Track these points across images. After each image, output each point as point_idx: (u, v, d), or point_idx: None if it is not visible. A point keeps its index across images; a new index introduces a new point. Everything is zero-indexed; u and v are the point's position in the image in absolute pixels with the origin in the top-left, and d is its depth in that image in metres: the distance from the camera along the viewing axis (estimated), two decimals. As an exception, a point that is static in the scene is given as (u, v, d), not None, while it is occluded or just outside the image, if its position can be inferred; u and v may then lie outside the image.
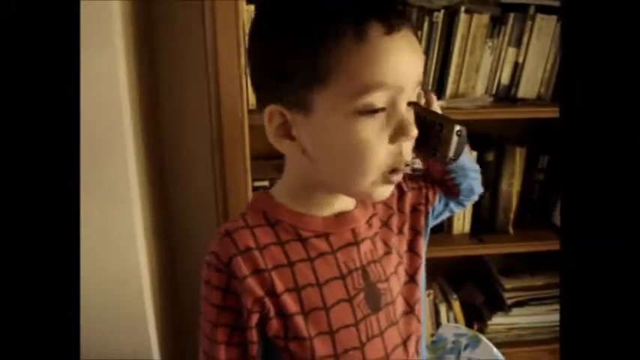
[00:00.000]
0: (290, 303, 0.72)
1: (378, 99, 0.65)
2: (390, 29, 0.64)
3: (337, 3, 0.64)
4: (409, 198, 0.85)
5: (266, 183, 1.40)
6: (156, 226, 1.44)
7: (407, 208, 0.85)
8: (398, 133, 0.67)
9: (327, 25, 0.63)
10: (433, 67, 1.48)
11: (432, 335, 1.13)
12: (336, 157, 0.69)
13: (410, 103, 0.69)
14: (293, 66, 0.66)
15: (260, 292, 0.71)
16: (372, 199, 0.74)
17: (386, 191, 0.72)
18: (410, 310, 0.80)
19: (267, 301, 0.71)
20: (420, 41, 1.40)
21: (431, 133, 0.75)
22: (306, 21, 0.65)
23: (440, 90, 1.50)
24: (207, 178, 1.52)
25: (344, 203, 0.77)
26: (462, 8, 1.44)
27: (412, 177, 0.89)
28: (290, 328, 0.72)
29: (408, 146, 0.69)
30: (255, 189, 1.34)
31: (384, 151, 0.67)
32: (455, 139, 0.74)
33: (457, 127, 0.74)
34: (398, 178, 0.71)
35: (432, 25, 1.45)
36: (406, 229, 0.84)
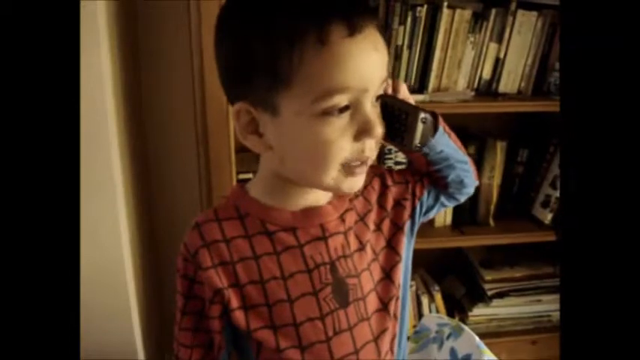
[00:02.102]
0: (254, 295, 0.74)
1: (341, 100, 0.65)
2: (352, 31, 0.63)
3: (299, 5, 0.64)
4: (392, 193, 0.84)
5: (250, 175, 1.40)
6: (140, 218, 1.43)
7: (389, 204, 0.83)
8: (362, 132, 0.67)
9: (289, 28, 0.63)
10: (416, 62, 1.49)
11: (414, 326, 1.15)
12: (300, 155, 0.70)
13: (378, 97, 0.71)
14: (257, 68, 0.66)
15: (220, 283, 0.73)
16: (341, 192, 0.74)
17: (353, 183, 0.72)
18: (383, 307, 0.79)
19: (228, 293, 0.73)
20: (403, 36, 1.44)
21: (398, 121, 0.74)
22: (268, 24, 0.64)
23: (422, 84, 1.51)
24: (192, 171, 1.52)
25: (316, 198, 0.77)
26: (445, 3, 1.45)
27: (399, 171, 0.88)
28: (254, 319, 0.74)
29: (371, 142, 0.70)
30: (239, 182, 1.34)
31: (347, 149, 0.68)
32: (420, 126, 0.74)
33: (422, 114, 0.73)
34: (361, 170, 0.71)
35: (414, 19, 1.46)
36: (385, 225, 0.82)
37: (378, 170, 0.86)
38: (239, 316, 0.74)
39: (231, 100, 0.72)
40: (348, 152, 0.68)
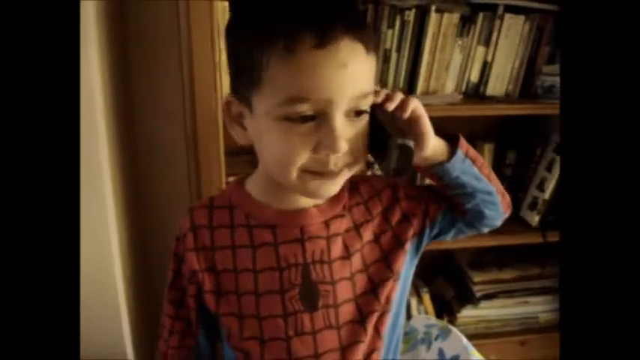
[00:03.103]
0: (226, 282, 0.78)
1: (303, 109, 0.66)
2: (321, 43, 0.64)
3: (276, 13, 0.66)
4: (402, 207, 0.82)
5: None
6: (129, 219, 1.43)
7: (395, 217, 0.82)
8: (323, 145, 0.67)
9: (263, 33, 0.65)
10: (404, 65, 1.50)
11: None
12: (268, 155, 0.72)
13: (373, 107, 0.71)
14: (238, 66, 0.71)
15: (197, 265, 0.78)
16: (312, 196, 0.75)
17: (321, 187, 0.71)
18: (360, 320, 0.78)
19: (203, 275, 0.78)
20: (391, 39, 1.44)
21: (380, 141, 0.72)
22: (250, 27, 0.68)
23: (411, 87, 1.52)
24: (182, 173, 1.52)
25: (305, 200, 0.78)
26: (433, 7, 1.46)
27: (418, 186, 0.85)
28: (224, 305, 0.78)
29: (337, 157, 0.69)
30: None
31: (307, 158, 0.68)
32: (396, 152, 0.69)
33: (399, 141, 0.69)
34: (329, 177, 0.71)
35: (403, 23, 1.47)
36: (385, 238, 0.81)
37: (393, 181, 0.84)
38: (210, 299, 0.79)
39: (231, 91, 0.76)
40: (309, 161, 0.69)
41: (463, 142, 0.77)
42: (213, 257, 0.79)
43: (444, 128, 0.79)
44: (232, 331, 0.78)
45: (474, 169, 0.79)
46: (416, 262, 0.85)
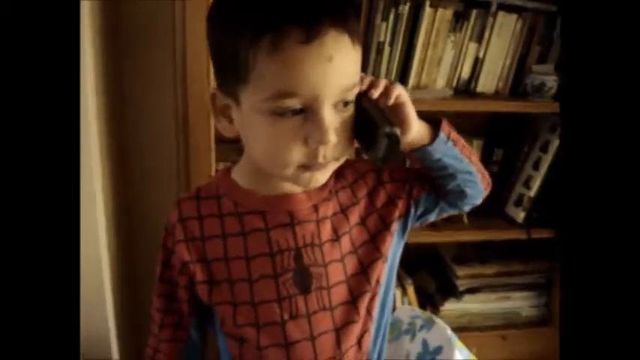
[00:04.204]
0: (218, 271, 0.78)
1: (291, 103, 0.66)
2: (307, 38, 0.64)
3: (261, 8, 0.66)
4: (387, 189, 0.84)
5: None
6: (117, 207, 1.43)
7: (380, 200, 0.83)
8: (313, 138, 0.68)
9: (248, 28, 0.65)
10: (397, 59, 1.51)
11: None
12: (257, 148, 0.73)
13: (359, 95, 0.72)
14: (223, 60, 0.71)
15: (188, 257, 0.78)
16: (302, 186, 0.76)
17: (313, 178, 0.73)
18: (352, 301, 0.80)
19: (194, 266, 0.78)
20: (385, 33, 1.45)
21: (367, 130, 0.72)
22: (234, 21, 0.67)
23: (402, 81, 1.53)
24: (171, 160, 1.52)
25: (291, 185, 0.78)
26: (427, 2, 1.47)
27: (401, 168, 0.87)
28: (216, 294, 0.78)
29: (325, 148, 0.70)
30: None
31: (297, 151, 0.69)
32: (384, 140, 0.70)
33: (387, 129, 0.69)
34: (320, 167, 0.72)
35: (397, 17, 1.48)
36: (372, 220, 0.83)
37: (377, 165, 0.85)
38: (202, 290, 0.79)
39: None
40: (299, 154, 0.69)
41: (445, 125, 0.79)
42: (204, 247, 0.79)
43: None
44: (226, 319, 0.79)
45: (456, 151, 0.80)
46: (402, 243, 0.86)
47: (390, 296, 0.86)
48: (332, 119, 0.68)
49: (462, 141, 0.82)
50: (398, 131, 0.71)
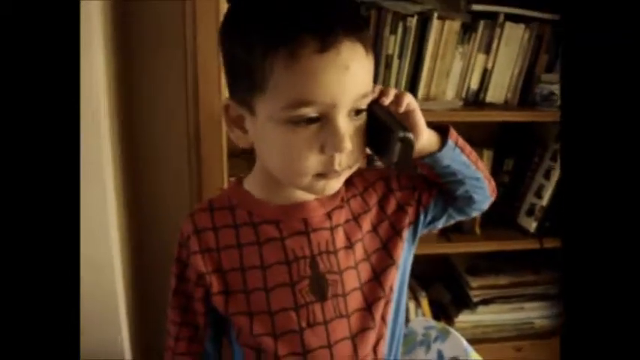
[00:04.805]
0: (234, 281, 0.79)
1: (308, 112, 0.67)
2: (324, 47, 0.65)
3: (277, 18, 0.67)
4: (397, 197, 0.85)
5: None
6: (130, 221, 1.44)
7: (390, 207, 0.84)
8: (329, 145, 0.69)
9: (264, 38, 0.66)
10: (406, 71, 1.52)
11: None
12: (273, 157, 0.74)
13: (370, 103, 0.72)
14: (238, 70, 0.71)
15: (204, 268, 0.79)
16: (317, 194, 0.77)
17: (326, 186, 0.74)
18: (367, 307, 0.81)
19: (210, 278, 0.79)
20: (393, 46, 1.46)
21: (380, 135, 0.73)
22: (249, 32, 0.68)
23: (412, 93, 1.50)
24: (183, 175, 1.53)
25: (303, 193, 0.79)
26: (435, 14, 1.48)
27: (409, 176, 0.87)
28: (233, 305, 0.79)
29: (341, 156, 0.71)
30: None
31: (314, 159, 0.70)
32: (397, 145, 0.71)
33: (400, 134, 0.71)
34: (335, 176, 0.73)
35: (405, 29, 1.49)
36: (383, 227, 0.84)
37: (385, 173, 0.87)
38: (218, 301, 0.79)
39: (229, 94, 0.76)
40: (315, 163, 0.70)
41: (453, 132, 0.80)
42: (219, 258, 0.79)
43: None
44: (243, 330, 0.79)
45: (463, 157, 0.82)
46: (413, 250, 0.87)
47: (403, 303, 0.86)
48: (347, 127, 0.69)
49: (468, 147, 0.84)
50: (411, 135, 0.72)
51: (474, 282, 1.73)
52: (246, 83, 0.70)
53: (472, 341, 1.67)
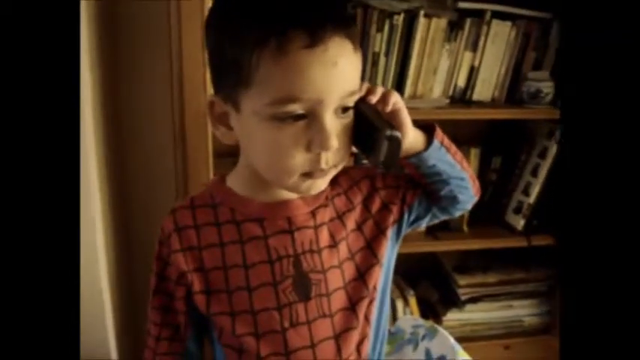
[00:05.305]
0: (216, 280, 0.77)
1: (294, 108, 0.66)
2: (312, 42, 0.64)
3: (265, 12, 0.66)
4: (381, 195, 0.84)
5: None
6: (115, 220, 1.42)
7: (375, 206, 0.84)
8: (315, 143, 0.68)
9: (252, 33, 0.65)
10: (393, 69, 1.52)
11: (389, 329, 1.15)
12: (258, 155, 0.73)
13: (357, 101, 0.72)
14: (224, 65, 0.70)
15: (186, 266, 0.77)
16: (301, 193, 0.76)
17: (313, 186, 0.73)
18: (351, 307, 0.80)
19: (192, 276, 0.77)
20: (380, 43, 1.46)
21: (367, 134, 0.72)
22: (237, 25, 0.67)
23: (399, 91, 1.51)
24: (169, 174, 1.51)
25: (288, 191, 0.78)
26: (422, 12, 1.48)
27: (394, 175, 0.87)
28: (215, 304, 0.77)
29: (327, 155, 0.70)
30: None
31: (300, 157, 0.69)
32: (385, 143, 0.70)
33: (388, 132, 0.70)
34: (321, 175, 0.72)
35: (392, 27, 1.48)
36: (368, 226, 0.83)
37: (371, 172, 0.86)
38: (200, 300, 0.78)
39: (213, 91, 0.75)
40: (301, 161, 0.69)
41: (439, 132, 0.80)
42: (201, 256, 0.78)
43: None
44: (225, 330, 0.78)
45: (449, 157, 0.82)
46: (396, 249, 0.87)
47: (387, 302, 0.86)
48: (334, 125, 0.69)
49: (454, 147, 0.83)
50: (399, 134, 0.71)
51: (462, 280, 1.74)
52: (231, 78, 0.69)
53: (461, 339, 1.68)
